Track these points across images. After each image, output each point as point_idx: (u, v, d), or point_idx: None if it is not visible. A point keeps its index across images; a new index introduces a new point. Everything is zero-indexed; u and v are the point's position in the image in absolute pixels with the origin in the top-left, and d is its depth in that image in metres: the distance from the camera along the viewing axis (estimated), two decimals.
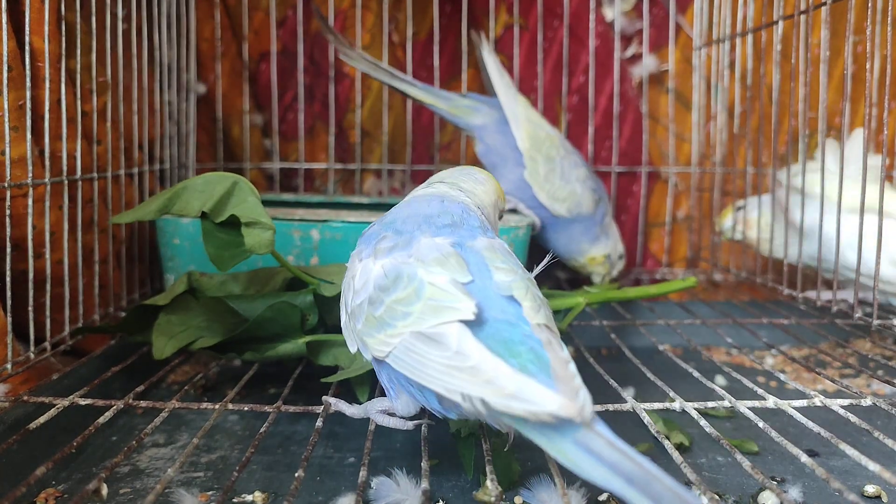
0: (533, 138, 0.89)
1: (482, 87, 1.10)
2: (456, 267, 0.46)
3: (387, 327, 0.46)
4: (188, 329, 0.66)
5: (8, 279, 0.65)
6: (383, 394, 0.52)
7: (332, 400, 0.56)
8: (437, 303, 0.44)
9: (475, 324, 0.43)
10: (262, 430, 0.51)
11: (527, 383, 0.39)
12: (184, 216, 0.61)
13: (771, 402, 0.57)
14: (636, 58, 1.11)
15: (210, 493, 0.55)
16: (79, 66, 0.76)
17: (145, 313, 0.68)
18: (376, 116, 1.12)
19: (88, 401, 0.56)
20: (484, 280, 0.46)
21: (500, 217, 0.63)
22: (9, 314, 0.67)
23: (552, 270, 1.09)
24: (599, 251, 0.96)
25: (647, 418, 0.54)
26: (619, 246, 0.99)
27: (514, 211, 0.91)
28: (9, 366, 0.64)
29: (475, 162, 1.09)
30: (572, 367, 0.41)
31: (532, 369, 0.40)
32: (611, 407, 0.56)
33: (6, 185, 0.63)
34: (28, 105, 0.65)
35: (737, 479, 0.59)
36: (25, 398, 0.57)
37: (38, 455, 0.59)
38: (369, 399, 0.58)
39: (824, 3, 0.76)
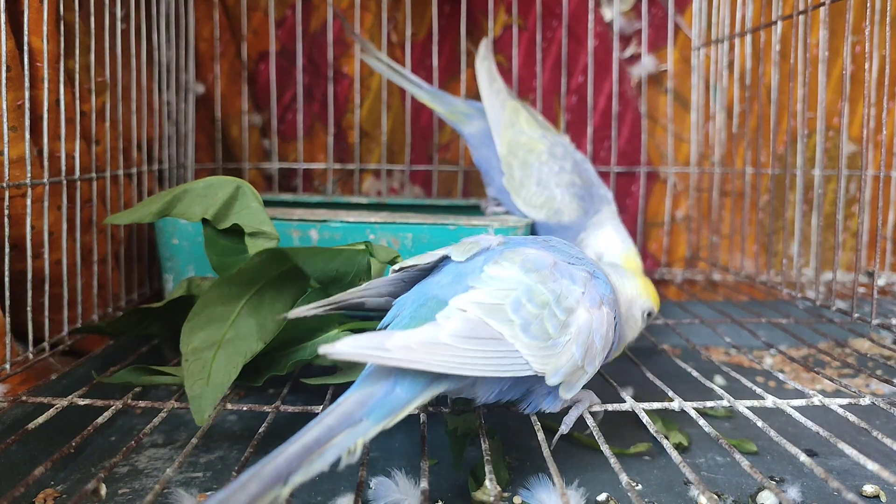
0: (510, 144, 0.86)
1: None
2: (463, 251, 0.54)
3: None
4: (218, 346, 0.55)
5: (7, 279, 0.65)
6: None
7: None
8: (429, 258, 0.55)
9: (438, 276, 0.53)
10: (260, 430, 0.51)
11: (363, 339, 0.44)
12: (185, 220, 0.61)
13: (770, 401, 0.57)
14: (635, 58, 1.11)
15: (209, 493, 0.55)
16: (77, 66, 0.76)
17: (140, 317, 0.68)
18: (375, 117, 1.12)
19: (87, 401, 0.56)
20: (472, 266, 0.52)
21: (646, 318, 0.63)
22: (7, 314, 0.67)
23: None
24: None
25: (646, 418, 0.54)
26: None
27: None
28: (7, 366, 0.64)
29: (473, 163, 1.09)
30: (439, 335, 0.44)
31: (400, 322, 0.49)
32: (610, 407, 0.56)
33: (5, 185, 0.63)
34: (27, 105, 0.65)
35: (735, 479, 0.59)
36: (24, 398, 0.57)
37: (37, 455, 0.59)
38: None
39: (823, 4, 0.76)
